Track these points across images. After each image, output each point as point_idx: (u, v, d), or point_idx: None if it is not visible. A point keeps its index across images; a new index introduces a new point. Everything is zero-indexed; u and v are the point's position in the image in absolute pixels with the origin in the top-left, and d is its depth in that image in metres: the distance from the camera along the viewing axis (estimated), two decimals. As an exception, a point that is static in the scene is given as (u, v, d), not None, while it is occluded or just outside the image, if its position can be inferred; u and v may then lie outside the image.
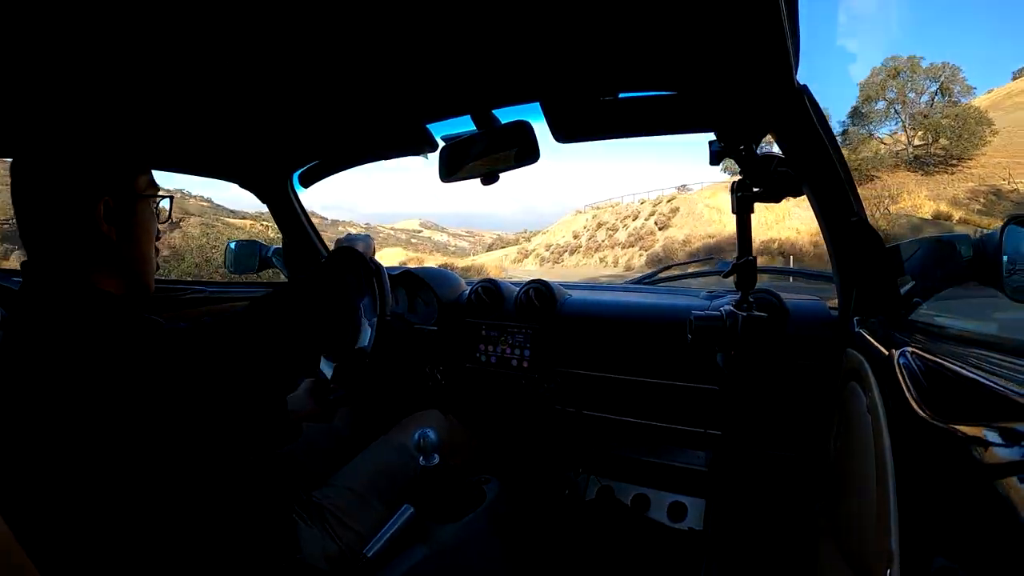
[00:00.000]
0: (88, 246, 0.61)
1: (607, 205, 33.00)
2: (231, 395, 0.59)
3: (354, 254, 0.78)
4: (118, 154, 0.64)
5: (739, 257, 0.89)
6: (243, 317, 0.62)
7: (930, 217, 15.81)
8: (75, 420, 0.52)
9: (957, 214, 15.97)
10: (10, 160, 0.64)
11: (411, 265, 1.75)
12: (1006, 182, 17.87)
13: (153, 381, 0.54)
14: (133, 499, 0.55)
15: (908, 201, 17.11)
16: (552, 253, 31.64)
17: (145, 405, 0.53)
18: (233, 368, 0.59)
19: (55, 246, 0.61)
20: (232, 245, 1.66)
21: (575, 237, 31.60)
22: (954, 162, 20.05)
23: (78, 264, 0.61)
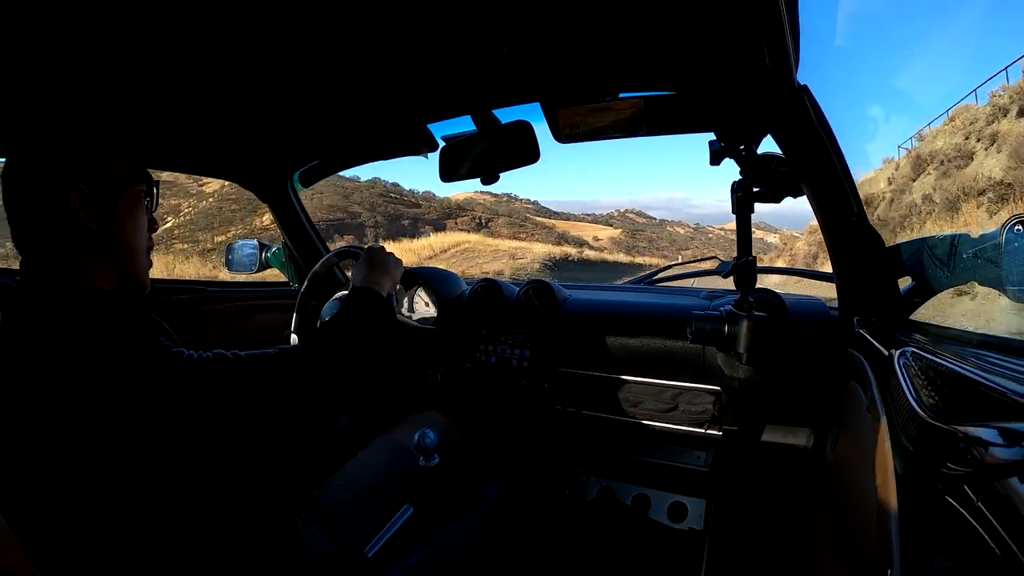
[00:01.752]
0: (67, 238, 0.60)
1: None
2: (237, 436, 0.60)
3: (378, 302, 0.75)
4: (91, 141, 0.62)
5: (739, 257, 0.89)
6: (263, 365, 0.61)
7: None
8: (69, 419, 0.52)
9: None
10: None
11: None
12: None
13: (149, 378, 0.53)
14: (133, 498, 0.55)
15: None
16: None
17: (141, 403, 0.53)
18: (241, 414, 0.59)
19: (35, 239, 0.60)
20: (232, 245, 1.66)
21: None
22: None
23: (59, 257, 0.60)
